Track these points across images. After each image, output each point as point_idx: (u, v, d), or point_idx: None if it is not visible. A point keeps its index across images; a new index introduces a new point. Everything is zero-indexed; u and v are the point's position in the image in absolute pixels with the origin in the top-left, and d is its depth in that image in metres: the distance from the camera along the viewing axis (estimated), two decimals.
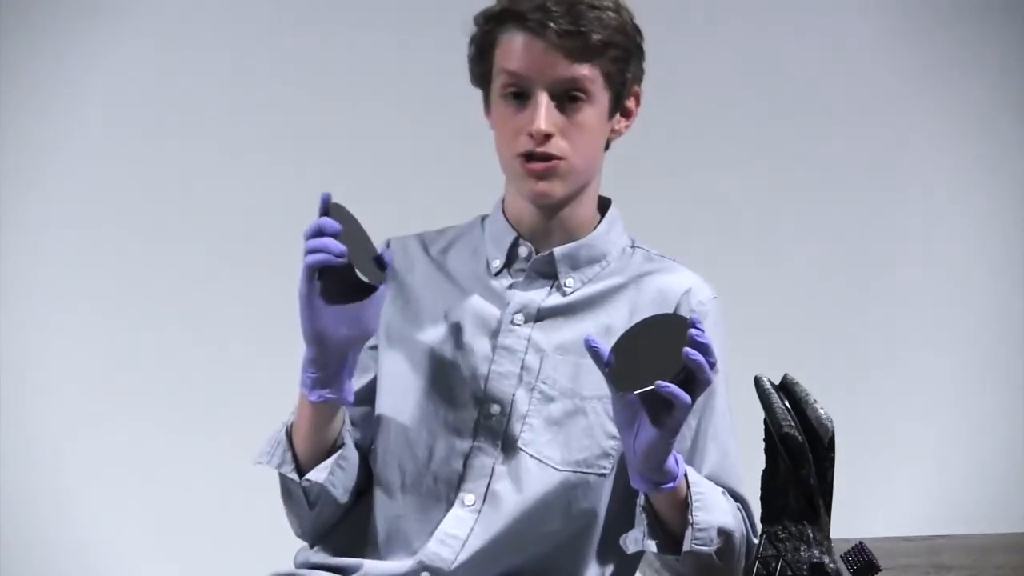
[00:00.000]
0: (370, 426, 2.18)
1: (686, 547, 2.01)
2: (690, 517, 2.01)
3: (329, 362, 2.03)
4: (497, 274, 2.18)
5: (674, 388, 1.89)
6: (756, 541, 2.10)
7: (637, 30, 2.14)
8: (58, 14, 3.68)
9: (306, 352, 2.03)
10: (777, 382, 2.00)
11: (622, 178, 3.72)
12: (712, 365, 1.91)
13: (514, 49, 2.09)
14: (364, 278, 1.99)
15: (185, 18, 3.72)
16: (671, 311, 2.13)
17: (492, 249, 2.19)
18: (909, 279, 3.88)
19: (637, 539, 2.05)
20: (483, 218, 2.25)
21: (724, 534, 2.03)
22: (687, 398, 1.90)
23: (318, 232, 1.97)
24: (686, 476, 2.01)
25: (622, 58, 2.11)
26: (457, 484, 2.12)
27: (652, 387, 1.89)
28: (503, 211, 2.20)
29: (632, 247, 2.22)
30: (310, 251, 1.97)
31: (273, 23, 3.75)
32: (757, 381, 2.00)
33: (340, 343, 2.02)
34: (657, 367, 1.90)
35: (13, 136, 3.68)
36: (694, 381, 1.91)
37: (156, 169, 3.72)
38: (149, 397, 3.69)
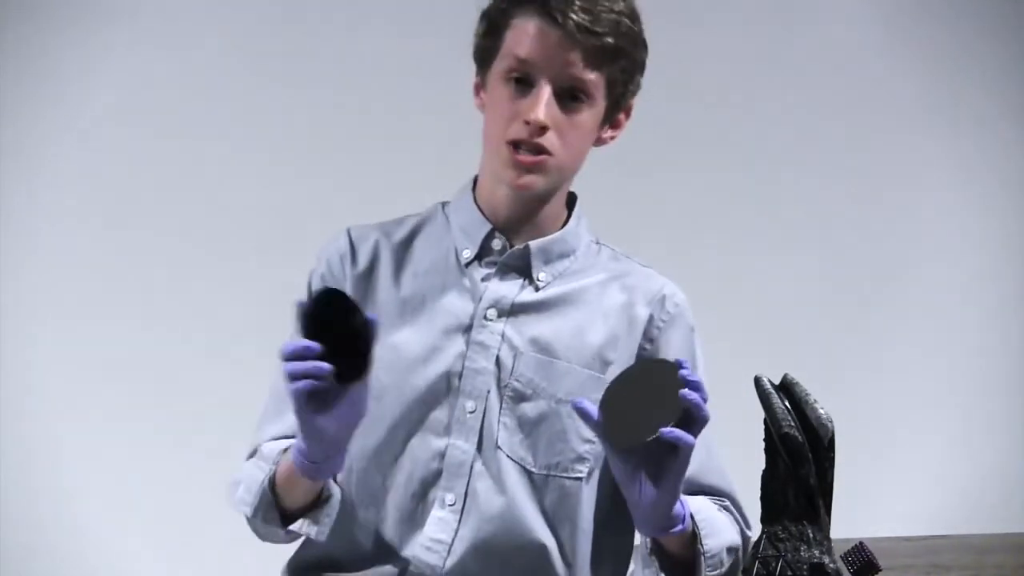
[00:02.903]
0: None
1: None
2: (700, 547, 1.98)
3: (329, 455, 1.97)
4: (468, 265, 2.14)
5: (679, 432, 1.85)
6: (748, 532, 2.11)
7: (645, 45, 2.11)
8: (59, 13, 3.69)
9: (302, 446, 1.95)
10: (777, 382, 2.01)
11: (626, 178, 3.74)
12: (706, 400, 1.87)
13: (527, 34, 2.04)
14: (353, 379, 1.88)
15: (186, 17, 3.72)
16: (646, 314, 2.12)
17: (462, 239, 2.14)
18: (910, 280, 3.88)
19: None
20: (443, 205, 2.20)
21: (732, 551, 2.04)
22: (692, 439, 1.86)
23: (300, 355, 1.86)
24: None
25: (628, 69, 2.09)
26: (436, 483, 2.09)
27: (656, 435, 1.84)
28: (475, 200, 2.16)
29: (596, 243, 2.19)
30: (296, 377, 1.86)
31: (276, 21, 3.75)
32: (757, 381, 2.01)
33: (339, 439, 1.95)
34: (651, 416, 1.86)
35: (13, 135, 3.68)
36: (692, 421, 1.86)
37: (155, 169, 3.72)
38: (149, 397, 3.69)
